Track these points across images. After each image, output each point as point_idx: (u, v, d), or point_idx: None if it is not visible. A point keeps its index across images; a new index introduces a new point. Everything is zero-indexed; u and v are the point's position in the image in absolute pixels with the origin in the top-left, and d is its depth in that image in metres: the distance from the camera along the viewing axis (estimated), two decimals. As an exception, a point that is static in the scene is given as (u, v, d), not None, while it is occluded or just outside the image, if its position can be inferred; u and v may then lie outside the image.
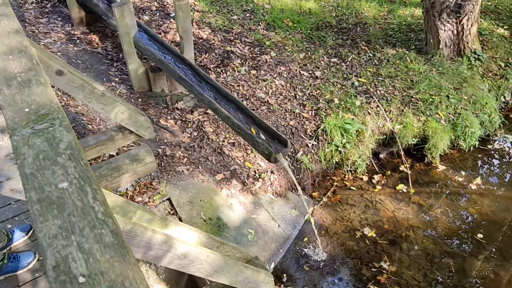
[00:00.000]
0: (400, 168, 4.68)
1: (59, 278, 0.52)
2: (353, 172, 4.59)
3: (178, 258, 1.67)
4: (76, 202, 0.64)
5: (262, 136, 3.61)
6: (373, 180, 4.56)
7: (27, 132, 0.80)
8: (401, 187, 4.44)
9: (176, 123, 4.40)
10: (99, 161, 3.71)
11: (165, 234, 1.58)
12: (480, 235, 3.90)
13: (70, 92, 2.89)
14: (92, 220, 0.60)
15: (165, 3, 6.18)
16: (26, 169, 0.71)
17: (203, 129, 4.36)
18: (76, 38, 5.31)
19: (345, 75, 5.13)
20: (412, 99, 4.80)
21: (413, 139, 4.64)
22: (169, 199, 3.64)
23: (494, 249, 3.80)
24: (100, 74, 4.78)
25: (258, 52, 5.43)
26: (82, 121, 4.01)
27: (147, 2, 6.16)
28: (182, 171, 3.89)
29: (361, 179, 4.58)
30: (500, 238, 3.91)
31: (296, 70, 5.19)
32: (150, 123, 3.30)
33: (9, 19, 1.74)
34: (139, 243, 1.52)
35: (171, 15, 5.91)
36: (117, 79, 4.76)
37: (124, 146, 3.94)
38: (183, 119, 4.46)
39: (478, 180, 4.46)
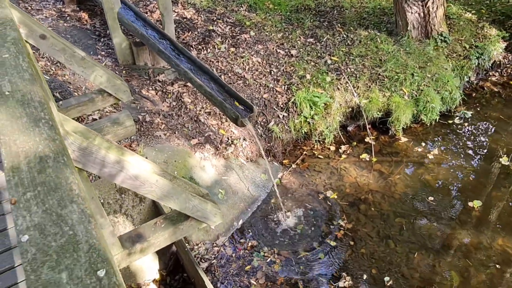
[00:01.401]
0: (366, 140, 5.04)
1: None
2: (321, 142, 4.95)
3: (130, 178, 2.02)
4: (12, 62, 0.99)
5: (235, 104, 3.96)
6: (340, 150, 4.92)
7: None
8: (364, 156, 4.80)
9: (157, 94, 4.74)
10: (83, 124, 4.06)
11: (118, 155, 1.94)
12: (431, 198, 4.27)
13: (52, 55, 3.23)
14: (19, 70, 0.96)
15: (152, -15, 6.49)
16: None
17: (182, 99, 4.71)
18: (66, 15, 5.63)
19: (319, 54, 5.47)
20: (380, 76, 5.15)
21: (378, 113, 4.99)
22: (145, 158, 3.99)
23: (441, 211, 4.17)
24: (88, 48, 5.11)
25: (239, 32, 5.76)
26: (69, 89, 4.35)
27: (135, -17, 6.47)
28: (160, 135, 4.24)
29: (329, 149, 4.94)
30: (450, 201, 4.27)
31: (273, 48, 5.53)
32: (127, 87, 3.64)
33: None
34: (94, 159, 1.87)
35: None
36: (103, 53, 5.10)
37: (107, 112, 4.29)
38: (164, 90, 4.80)
39: (436, 151, 4.82)
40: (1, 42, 1.09)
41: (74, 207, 0.60)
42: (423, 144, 4.96)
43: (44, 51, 3.37)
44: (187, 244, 3.66)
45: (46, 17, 5.47)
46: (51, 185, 0.65)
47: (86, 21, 5.63)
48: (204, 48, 5.40)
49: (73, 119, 3.93)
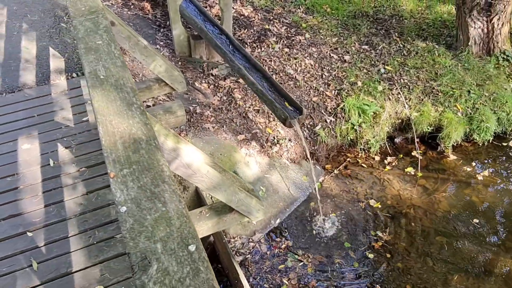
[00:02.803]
0: (413, 154, 4.94)
1: (90, 77, 0.97)
2: (366, 151, 4.90)
3: (183, 166, 2.10)
4: (105, 49, 1.08)
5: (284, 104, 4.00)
6: (385, 161, 4.85)
7: (82, 19, 1.27)
8: (410, 170, 4.71)
9: (209, 87, 4.86)
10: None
11: (174, 143, 2.03)
12: (475, 220, 4.14)
13: (118, 41, 3.39)
14: (112, 57, 1.04)
15: (214, -20, 6.63)
16: (79, 35, 1.17)
17: (233, 95, 4.80)
18: (130, 4, 5.87)
19: (372, 62, 5.40)
20: (434, 90, 5.02)
21: (428, 127, 4.87)
22: (193, 149, 4.11)
23: (486, 234, 4.03)
24: (148, 37, 5.31)
25: (294, 33, 5.79)
26: (127, 75, 4.54)
27: (197, -23, 6.64)
28: (208, 128, 4.35)
29: (373, 158, 4.88)
30: (495, 226, 4.12)
31: (326, 52, 5.52)
32: (183, 78, 3.76)
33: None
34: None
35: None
36: (162, 43, 5.28)
37: (160, 100, 4.45)
38: (216, 84, 4.91)
39: (485, 173, 4.65)
40: (94, 29, 1.18)
41: (165, 187, 0.66)
42: (473, 164, 4.80)
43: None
44: (224, 236, 3.75)
45: (112, 4, 5.73)
46: (144, 164, 0.72)
47: (148, 11, 5.85)
48: (259, 47, 5.47)
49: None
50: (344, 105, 4.78)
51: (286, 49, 5.47)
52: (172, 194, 0.67)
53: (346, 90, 4.96)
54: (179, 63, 5.07)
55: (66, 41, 4.51)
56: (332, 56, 5.48)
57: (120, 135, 0.80)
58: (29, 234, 2.48)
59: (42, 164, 2.97)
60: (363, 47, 5.67)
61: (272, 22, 5.95)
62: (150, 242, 0.62)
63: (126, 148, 0.76)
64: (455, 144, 4.91)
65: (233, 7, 6.10)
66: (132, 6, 5.83)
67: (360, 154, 4.92)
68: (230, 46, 4.60)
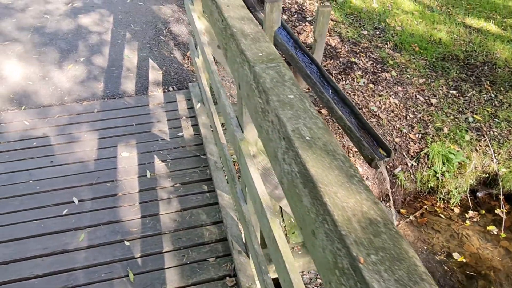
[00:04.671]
0: (496, 211, 4.66)
1: (295, 136, 0.97)
2: (445, 201, 4.69)
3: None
4: (299, 105, 1.08)
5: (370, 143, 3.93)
6: (465, 214, 4.61)
7: (263, 66, 1.29)
8: (492, 228, 4.45)
9: (291, 114, 4.88)
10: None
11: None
12: None
13: (222, 62, 3.50)
14: (311, 115, 1.04)
15: (304, 7, 6.72)
16: (266, 85, 1.19)
17: (314, 125, 4.78)
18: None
19: (460, 109, 5.21)
20: (526, 147, 4.75)
21: (517, 186, 4.60)
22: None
23: None
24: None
25: (380, 69, 5.71)
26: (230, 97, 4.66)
27: (288, 3, 6.76)
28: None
29: (452, 210, 4.66)
30: None
31: (412, 93, 5.39)
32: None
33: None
34: (271, 181, 1.98)
35: (307, 18, 6.43)
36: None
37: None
38: (298, 112, 4.92)
39: None
40: (280, 80, 1.20)
41: (426, 286, 0.63)
42: None
43: (217, 59, 3.72)
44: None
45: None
46: (392, 253, 0.69)
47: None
48: (343, 79, 5.44)
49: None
50: (428, 151, 4.62)
51: (371, 85, 5.40)
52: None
53: (431, 135, 4.80)
54: (265, 86, 5.14)
55: (164, 54, 4.71)
56: (418, 98, 5.34)
57: (352, 211, 0.79)
58: (127, 243, 2.57)
59: (139, 174, 3.09)
60: (451, 92, 5.49)
61: (358, 55, 5.91)
62: None
63: (364, 229, 0.74)
64: (544, 208, 4.60)
65: (320, 36, 6.13)
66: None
67: (438, 203, 4.71)
68: (321, 77, 4.61)
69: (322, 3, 6.85)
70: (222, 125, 3.95)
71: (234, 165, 3.18)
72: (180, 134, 3.52)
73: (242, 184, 2.12)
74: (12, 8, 5.39)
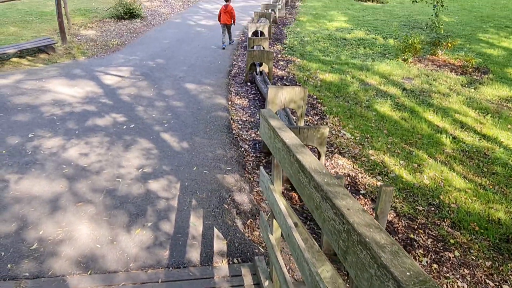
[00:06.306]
0: None
1: None
2: None
3: None
4: None
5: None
6: None
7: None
8: None
9: None
10: None
11: None
12: None
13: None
14: None
15: (356, 180, 6.94)
16: None
17: None
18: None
19: (538, 299, 4.79)
20: None
21: None
22: None
23: None
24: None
25: (441, 248, 5.52)
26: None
27: (334, 171, 7.02)
28: None
29: None
30: None
31: (481, 277, 5.07)
32: (344, 286, 3.62)
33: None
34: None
35: (361, 191, 6.58)
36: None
37: None
38: None
39: None
40: None
41: None
42: None
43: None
44: None
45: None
46: None
47: (296, 201, 6.16)
48: (405, 257, 5.25)
49: None
50: None
51: (435, 265, 5.16)
52: None
53: (512, 329, 4.33)
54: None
55: (227, 223, 4.81)
56: (488, 283, 4.99)
57: None
58: None
59: None
60: (523, 279, 5.13)
61: (417, 231, 5.81)
62: None
63: None
64: None
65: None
66: (285, 198, 6.20)
67: None
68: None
69: (383, 181, 7.07)
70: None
71: None
72: (248, 315, 3.34)
73: None
74: (88, 171, 5.85)
